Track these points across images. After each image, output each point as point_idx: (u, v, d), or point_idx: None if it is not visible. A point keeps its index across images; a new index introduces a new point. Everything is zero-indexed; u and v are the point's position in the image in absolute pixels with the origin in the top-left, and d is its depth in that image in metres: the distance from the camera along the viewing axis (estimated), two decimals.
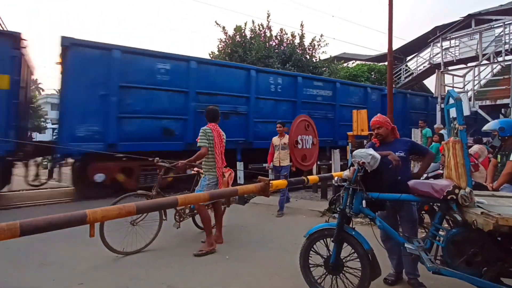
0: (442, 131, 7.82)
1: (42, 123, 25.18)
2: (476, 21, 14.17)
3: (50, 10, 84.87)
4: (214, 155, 4.00)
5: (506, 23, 13.36)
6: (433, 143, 7.48)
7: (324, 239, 2.73)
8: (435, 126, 8.70)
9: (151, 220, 3.88)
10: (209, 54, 16.51)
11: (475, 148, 5.27)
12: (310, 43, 16.25)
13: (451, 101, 2.58)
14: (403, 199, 2.56)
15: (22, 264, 3.46)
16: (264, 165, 6.87)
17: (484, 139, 7.74)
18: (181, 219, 4.25)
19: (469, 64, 14.62)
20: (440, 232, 2.47)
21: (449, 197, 2.29)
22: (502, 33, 13.83)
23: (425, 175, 4.73)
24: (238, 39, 15.34)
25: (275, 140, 6.15)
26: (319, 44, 16.30)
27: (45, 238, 3.18)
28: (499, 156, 3.82)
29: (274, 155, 6.08)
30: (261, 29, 15.78)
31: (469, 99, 10.76)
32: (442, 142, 2.77)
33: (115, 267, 3.43)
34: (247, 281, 3.14)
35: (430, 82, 19.51)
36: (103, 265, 3.48)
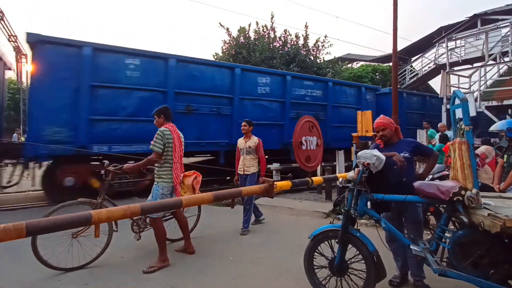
0: (446, 132, 7.75)
1: None
2: (482, 21, 14.05)
3: (50, 10, 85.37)
4: (173, 160, 3.52)
5: None
6: (436, 144, 7.42)
7: (329, 241, 2.72)
8: (439, 124, 8.63)
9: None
10: (213, 56, 16.57)
11: (482, 148, 5.21)
12: (314, 44, 16.25)
13: (457, 101, 2.56)
14: (408, 201, 2.54)
15: (28, 265, 3.49)
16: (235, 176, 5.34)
17: (491, 140, 7.64)
18: (141, 229, 3.82)
19: (475, 65, 14.50)
20: (446, 234, 2.44)
21: (455, 199, 2.27)
22: (508, 33, 13.69)
23: (430, 176, 4.69)
24: (242, 40, 15.37)
25: (240, 142, 5.10)
26: (323, 45, 16.29)
27: (51, 239, 3.20)
28: (506, 157, 3.79)
29: (240, 160, 5.08)
30: (265, 30, 15.81)
31: (475, 100, 10.66)
32: (448, 143, 2.75)
33: (120, 268, 3.44)
34: (251, 282, 3.13)
35: (436, 83, 19.40)
36: (108, 265, 3.49)
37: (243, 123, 5.04)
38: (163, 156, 3.49)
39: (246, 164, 4.94)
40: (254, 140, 4.97)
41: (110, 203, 3.63)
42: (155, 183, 3.57)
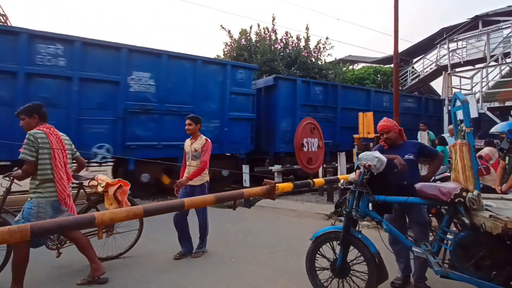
0: (444, 134, 7.75)
1: None
2: (483, 22, 14.05)
3: (49, 9, 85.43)
4: (52, 170, 2.83)
5: None
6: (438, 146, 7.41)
7: (330, 242, 2.72)
8: (449, 127, 8.62)
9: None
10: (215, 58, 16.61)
11: (486, 150, 5.19)
12: (316, 46, 16.26)
13: (458, 103, 2.56)
14: (410, 202, 2.55)
15: (32, 266, 3.48)
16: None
17: (494, 141, 7.62)
18: (59, 245, 3.29)
19: (476, 66, 14.48)
20: (447, 236, 2.45)
21: (456, 200, 2.27)
22: (510, 34, 13.68)
23: (432, 178, 4.68)
24: (243, 42, 15.41)
25: (186, 144, 4.06)
26: (325, 47, 16.31)
27: None
28: (507, 158, 3.79)
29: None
30: (266, 32, 15.85)
31: (477, 101, 10.65)
32: (449, 145, 2.75)
33: (123, 270, 3.45)
34: (253, 283, 3.14)
35: (437, 84, 19.39)
36: (111, 267, 3.50)
37: (187, 121, 3.93)
38: (38, 165, 2.80)
39: (192, 172, 3.81)
40: (201, 140, 3.92)
41: (9, 215, 3.17)
42: (29, 199, 2.87)
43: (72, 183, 3.20)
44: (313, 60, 16.03)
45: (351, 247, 2.62)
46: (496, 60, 13.84)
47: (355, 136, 7.90)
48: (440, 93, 13.09)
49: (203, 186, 3.88)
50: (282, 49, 15.71)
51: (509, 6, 13.75)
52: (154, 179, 7.47)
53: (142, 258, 3.79)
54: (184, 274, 3.35)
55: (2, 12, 12.75)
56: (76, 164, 3.37)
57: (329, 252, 2.72)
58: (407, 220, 3.03)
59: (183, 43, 77.32)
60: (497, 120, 9.76)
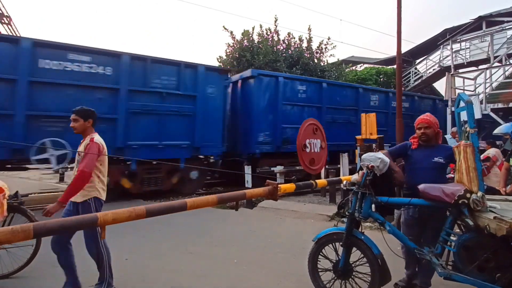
0: (446, 136, 7.70)
1: None
2: (487, 23, 13.98)
3: (47, 16, 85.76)
4: None
5: None
6: None
7: (333, 244, 2.72)
8: (452, 130, 8.56)
9: None
10: (217, 59, 16.64)
11: (492, 151, 5.14)
12: (318, 47, 16.25)
13: (462, 104, 2.55)
14: (413, 204, 2.53)
15: (34, 267, 3.51)
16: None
17: (497, 143, 7.57)
18: None
19: (480, 67, 14.41)
20: (451, 237, 2.43)
21: (460, 202, 2.25)
22: None
23: None
24: (246, 43, 15.43)
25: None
26: (326, 48, 16.29)
27: None
28: (511, 160, 3.76)
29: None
30: (268, 33, 15.87)
31: (481, 102, 10.60)
32: (453, 146, 2.72)
33: (124, 270, 3.45)
34: (255, 285, 3.14)
35: (440, 85, 19.29)
36: (112, 267, 3.50)
37: (71, 116, 2.94)
38: None
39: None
40: (86, 141, 2.90)
41: None
42: None
43: None
44: (316, 61, 16.03)
45: (354, 249, 2.61)
46: (500, 61, 13.75)
47: (358, 137, 7.86)
48: (443, 94, 13.02)
49: (88, 204, 2.82)
50: (284, 50, 15.71)
51: None
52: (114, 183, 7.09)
53: (143, 259, 3.79)
54: (185, 275, 3.35)
55: (6, 14, 12.84)
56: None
57: (331, 254, 2.71)
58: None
59: (182, 44, 77.60)
60: (501, 121, 9.70)
